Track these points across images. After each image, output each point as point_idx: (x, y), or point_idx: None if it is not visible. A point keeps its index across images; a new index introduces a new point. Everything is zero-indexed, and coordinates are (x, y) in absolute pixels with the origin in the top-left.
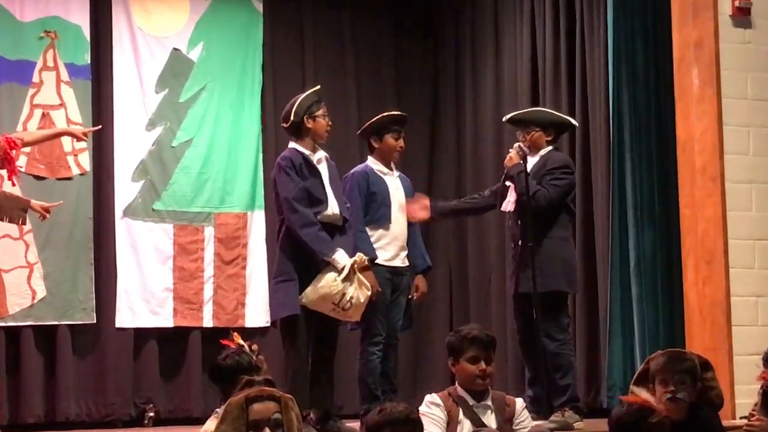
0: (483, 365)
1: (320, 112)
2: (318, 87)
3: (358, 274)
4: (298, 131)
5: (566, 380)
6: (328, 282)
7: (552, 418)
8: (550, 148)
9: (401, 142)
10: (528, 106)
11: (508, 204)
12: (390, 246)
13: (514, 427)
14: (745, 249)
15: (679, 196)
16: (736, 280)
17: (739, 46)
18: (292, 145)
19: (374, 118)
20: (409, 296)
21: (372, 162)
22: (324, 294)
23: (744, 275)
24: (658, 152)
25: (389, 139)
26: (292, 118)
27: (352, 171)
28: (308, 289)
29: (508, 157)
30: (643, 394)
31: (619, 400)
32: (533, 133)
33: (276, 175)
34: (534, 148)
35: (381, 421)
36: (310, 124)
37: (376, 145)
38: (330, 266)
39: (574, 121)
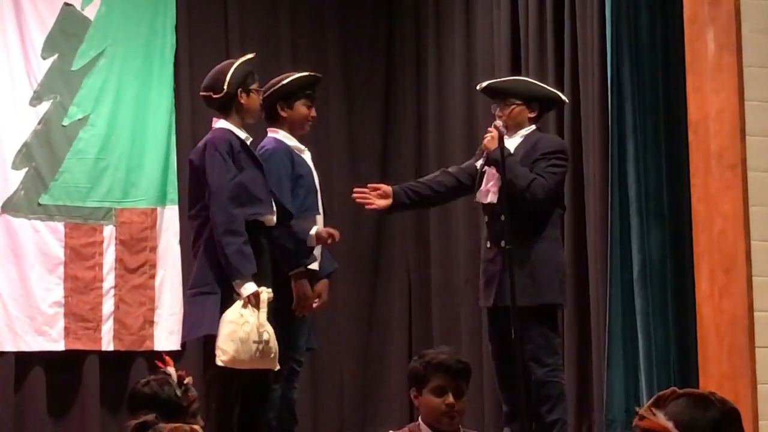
0: (450, 398)
1: (255, 86)
2: (253, 55)
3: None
4: (226, 106)
5: (555, 414)
6: (236, 319)
7: None
8: (533, 127)
9: (313, 111)
10: (507, 74)
11: (489, 194)
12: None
13: None
14: None
15: (692, 188)
16: (760, 292)
17: (766, 2)
18: (222, 124)
19: (281, 81)
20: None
21: (284, 137)
22: (242, 337)
23: None
24: (665, 134)
25: (301, 107)
26: (225, 88)
27: (265, 147)
28: (220, 344)
29: (488, 137)
30: (660, 419)
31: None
32: (513, 107)
33: (208, 159)
34: (513, 126)
35: None
36: (243, 100)
37: (284, 115)
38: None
39: (564, 97)
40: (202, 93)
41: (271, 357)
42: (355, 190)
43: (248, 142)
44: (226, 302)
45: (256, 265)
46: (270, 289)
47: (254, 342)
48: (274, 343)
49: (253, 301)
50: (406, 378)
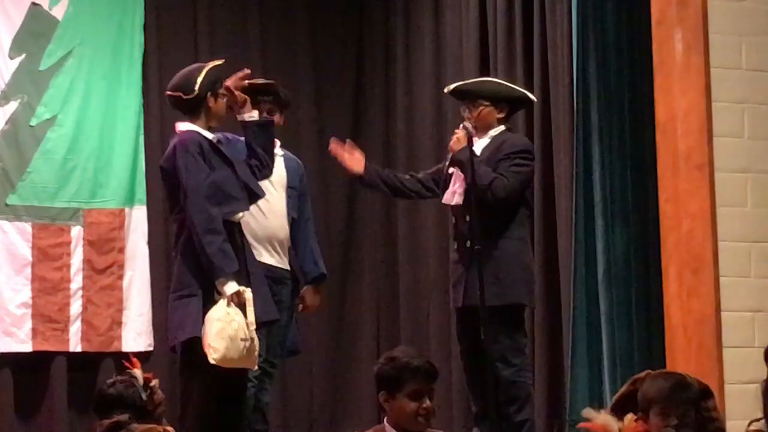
0: (428, 402)
1: (222, 91)
2: (222, 61)
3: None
4: (194, 109)
5: (522, 415)
6: (223, 317)
7: None
8: (502, 128)
9: (277, 117)
10: (476, 75)
11: (454, 196)
12: (265, 240)
13: None
14: (739, 253)
15: (659, 189)
16: (727, 292)
17: (733, 4)
18: (187, 125)
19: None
20: (293, 313)
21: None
22: (231, 335)
23: (737, 285)
24: (632, 134)
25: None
26: (197, 90)
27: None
28: (211, 342)
29: (454, 138)
30: (598, 418)
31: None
32: (482, 108)
33: (180, 161)
34: (482, 127)
35: None
36: (211, 104)
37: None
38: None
39: (532, 96)
40: (169, 93)
41: (254, 355)
42: (333, 140)
43: (215, 142)
44: (209, 302)
45: None
46: (250, 289)
47: (242, 340)
48: (257, 342)
49: (236, 299)
50: (374, 381)
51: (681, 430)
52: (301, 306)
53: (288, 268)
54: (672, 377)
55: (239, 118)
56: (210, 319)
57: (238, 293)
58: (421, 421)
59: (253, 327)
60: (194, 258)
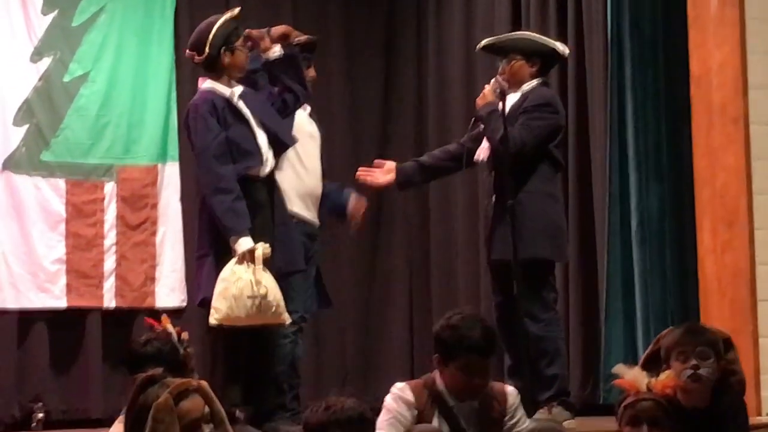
0: (477, 380)
1: (239, 42)
2: (237, 10)
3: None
4: (212, 67)
5: (553, 369)
6: (228, 277)
7: (536, 415)
8: (534, 82)
9: (312, 71)
10: (507, 31)
11: (482, 151)
12: (305, 195)
13: (505, 429)
14: None
15: (693, 142)
16: (762, 246)
17: None
18: (207, 84)
19: None
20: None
21: None
22: (235, 294)
23: None
24: (666, 88)
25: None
26: (207, 50)
27: None
28: (213, 303)
29: (481, 95)
30: (628, 374)
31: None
32: (514, 62)
33: (191, 123)
34: (515, 81)
35: (327, 420)
36: (227, 59)
37: None
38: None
39: (563, 48)
40: (187, 53)
41: (272, 312)
42: (360, 169)
43: (236, 97)
44: (222, 262)
45: (254, 221)
46: (267, 245)
47: (249, 297)
48: (275, 298)
49: (248, 257)
50: (433, 339)
51: (700, 371)
52: (355, 219)
53: (318, 224)
54: (686, 324)
55: (264, 57)
56: (218, 279)
57: (250, 250)
58: (467, 396)
59: (262, 284)
60: (209, 217)
